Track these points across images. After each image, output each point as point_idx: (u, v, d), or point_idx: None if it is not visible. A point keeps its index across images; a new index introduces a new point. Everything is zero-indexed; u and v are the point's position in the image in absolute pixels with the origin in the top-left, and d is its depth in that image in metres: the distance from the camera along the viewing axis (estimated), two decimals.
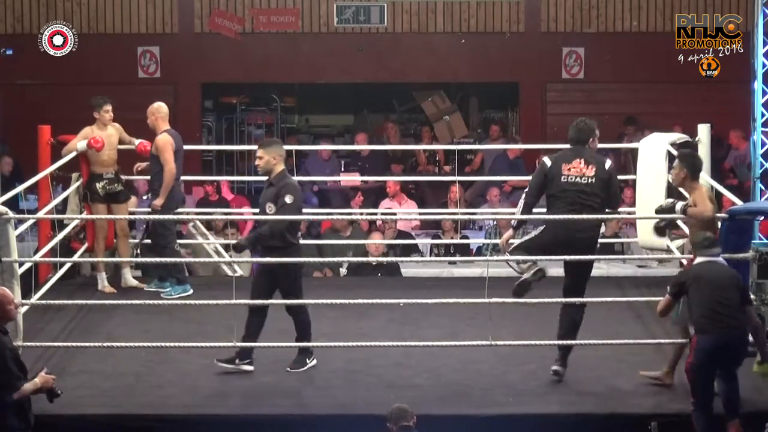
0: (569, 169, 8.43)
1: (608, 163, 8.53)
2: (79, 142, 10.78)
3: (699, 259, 7.97)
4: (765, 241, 10.92)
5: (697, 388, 7.79)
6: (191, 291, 10.64)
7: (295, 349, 8.96)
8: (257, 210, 9.06)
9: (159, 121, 10.81)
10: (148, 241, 10.90)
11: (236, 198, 14.75)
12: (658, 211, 8.77)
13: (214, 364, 8.75)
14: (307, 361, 8.85)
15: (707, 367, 7.77)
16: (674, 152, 10.19)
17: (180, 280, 10.68)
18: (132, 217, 10.35)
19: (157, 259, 10.06)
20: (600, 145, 14.07)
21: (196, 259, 10.96)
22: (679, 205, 8.46)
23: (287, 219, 8.65)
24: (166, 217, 10.31)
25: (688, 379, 7.87)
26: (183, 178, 11.94)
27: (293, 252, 8.76)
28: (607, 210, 8.54)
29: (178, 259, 10.60)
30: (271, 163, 8.74)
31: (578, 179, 8.42)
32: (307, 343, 8.85)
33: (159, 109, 10.84)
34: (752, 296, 8.87)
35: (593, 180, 8.41)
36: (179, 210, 10.96)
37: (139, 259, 10.49)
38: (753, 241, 9.62)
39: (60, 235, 10.84)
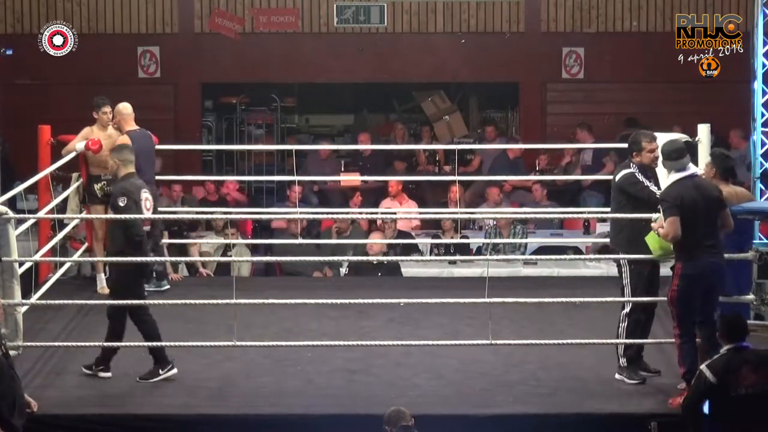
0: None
1: (621, 174, 8.59)
2: (78, 143, 10.77)
3: (675, 176, 7.99)
4: (765, 241, 10.92)
5: (682, 317, 7.94)
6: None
7: (295, 349, 8.97)
8: (256, 209, 9.05)
9: (122, 122, 10.82)
10: None
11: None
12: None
13: (214, 364, 8.76)
14: (160, 372, 8.59)
15: (691, 294, 7.93)
16: None
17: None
18: (131, 216, 10.30)
19: (157, 259, 10.05)
20: (600, 145, 14.16)
21: (199, 259, 10.94)
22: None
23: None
24: (165, 216, 10.30)
25: (672, 307, 7.99)
26: (182, 177, 11.94)
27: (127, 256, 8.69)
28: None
29: (176, 259, 10.60)
30: (114, 167, 8.82)
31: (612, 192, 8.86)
32: (160, 350, 8.60)
33: (121, 110, 10.84)
34: (752, 296, 8.90)
35: (612, 192, 8.76)
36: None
37: (138, 259, 10.46)
38: (753, 241, 9.63)
39: (60, 235, 10.83)
